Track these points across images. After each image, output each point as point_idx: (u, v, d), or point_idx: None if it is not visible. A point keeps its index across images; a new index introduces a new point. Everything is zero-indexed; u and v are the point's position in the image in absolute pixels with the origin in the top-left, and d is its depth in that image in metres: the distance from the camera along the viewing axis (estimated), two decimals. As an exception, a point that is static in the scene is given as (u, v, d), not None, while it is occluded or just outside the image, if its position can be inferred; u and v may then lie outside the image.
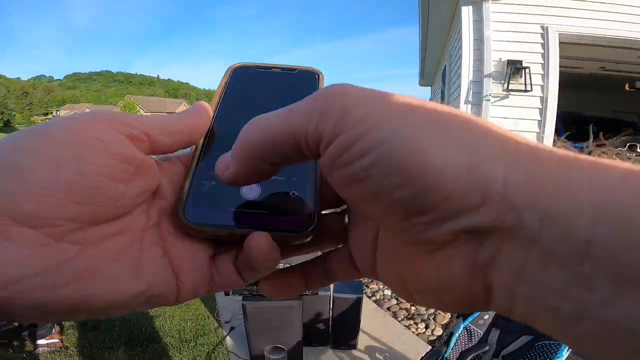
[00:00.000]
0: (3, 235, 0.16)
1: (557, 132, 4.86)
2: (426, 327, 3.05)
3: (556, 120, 4.42)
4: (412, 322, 3.12)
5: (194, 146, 0.26)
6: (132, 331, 2.76)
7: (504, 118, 4.46)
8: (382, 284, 3.69)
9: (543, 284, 0.14)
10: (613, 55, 5.37)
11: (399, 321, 3.12)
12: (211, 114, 0.26)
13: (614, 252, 0.12)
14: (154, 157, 0.24)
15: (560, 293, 0.13)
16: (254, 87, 0.31)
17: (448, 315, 3.11)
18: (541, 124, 4.37)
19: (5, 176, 0.17)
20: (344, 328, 2.66)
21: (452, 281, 0.16)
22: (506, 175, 0.14)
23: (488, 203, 0.14)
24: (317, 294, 2.37)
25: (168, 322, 2.91)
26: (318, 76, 0.32)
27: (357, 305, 2.59)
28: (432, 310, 3.19)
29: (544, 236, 0.13)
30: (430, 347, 2.77)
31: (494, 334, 1.92)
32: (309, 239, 0.22)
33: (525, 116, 4.43)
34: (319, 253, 0.26)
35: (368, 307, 2.88)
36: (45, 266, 0.17)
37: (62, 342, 2.68)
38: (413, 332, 2.99)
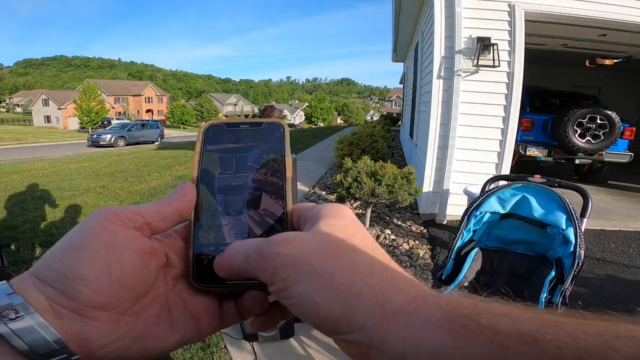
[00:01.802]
0: (90, 317, 0.26)
1: (523, 105, 5.09)
2: None
3: (522, 94, 4.66)
4: None
5: (188, 220, 0.34)
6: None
7: (474, 92, 4.69)
8: None
9: None
10: (575, 33, 5.62)
11: None
12: (194, 194, 0.33)
13: (403, 356, 0.23)
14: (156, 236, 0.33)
15: None
16: (227, 149, 0.35)
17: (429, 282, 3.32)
18: (508, 97, 4.61)
19: (80, 284, 0.26)
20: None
21: (354, 354, 0.27)
22: (364, 320, 0.25)
23: (355, 332, 0.25)
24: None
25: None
26: (282, 128, 0.37)
27: None
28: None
29: (384, 349, 0.24)
30: None
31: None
32: None
33: (493, 90, 4.67)
34: None
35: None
36: (119, 334, 0.27)
37: None
38: None
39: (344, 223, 0.31)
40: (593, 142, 6.55)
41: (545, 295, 1.75)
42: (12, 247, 4.43)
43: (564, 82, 9.83)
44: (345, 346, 0.28)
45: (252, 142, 0.35)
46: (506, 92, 4.63)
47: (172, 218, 0.32)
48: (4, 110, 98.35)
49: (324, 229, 0.30)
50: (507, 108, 4.67)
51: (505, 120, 4.72)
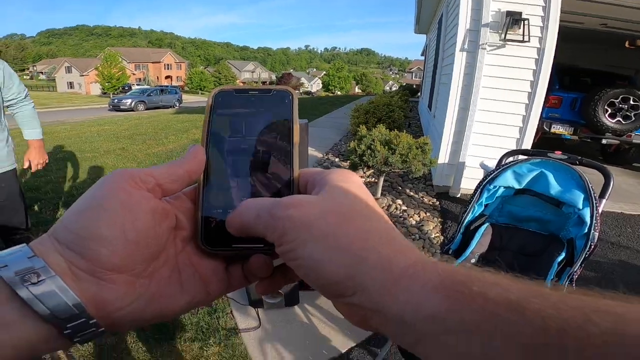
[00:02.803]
0: (107, 280, 0.26)
1: (552, 82, 4.90)
2: None
3: (552, 71, 4.47)
4: None
5: (197, 183, 0.34)
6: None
7: (499, 66, 4.51)
8: None
9: (392, 329, 0.26)
10: (616, 12, 5.32)
11: None
12: (204, 157, 0.34)
13: (407, 321, 0.24)
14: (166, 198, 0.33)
15: (394, 330, 0.26)
16: (237, 113, 0.36)
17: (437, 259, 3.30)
18: (536, 73, 4.42)
19: (97, 245, 0.26)
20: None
21: (354, 317, 0.29)
22: (370, 284, 0.26)
23: (357, 294, 0.26)
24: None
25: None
26: (291, 95, 0.37)
27: None
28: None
29: (385, 313, 0.25)
30: None
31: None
32: None
33: (520, 65, 4.48)
34: None
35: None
36: (135, 296, 0.28)
37: None
38: None
39: (351, 189, 0.31)
40: (623, 122, 6.37)
41: (552, 277, 1.71)
42: (35, 208, 4.58)
43: (598, 62, 9.39)
44: (345, 310, 0.29)
45: (260, 108, 0.36)
46: (534, 68, 4.43)
47: (182, 180, 0.32)
48: (28, 77, 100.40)
49: (332, 194, 0.30)
50: (533, 84, 4.48)
51: (531, 96, 4.53)
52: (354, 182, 0.32)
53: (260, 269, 0.33)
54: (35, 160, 2.65)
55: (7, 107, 2.50)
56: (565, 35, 5.49)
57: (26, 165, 2.67)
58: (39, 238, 0.27)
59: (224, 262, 0.34)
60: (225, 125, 0.35)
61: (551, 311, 0.20)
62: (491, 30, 4.42)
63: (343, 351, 2.45)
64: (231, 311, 2.73)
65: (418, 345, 0.24)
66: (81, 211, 0.28)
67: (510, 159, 2.16)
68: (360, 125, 4.60)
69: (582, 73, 8.04)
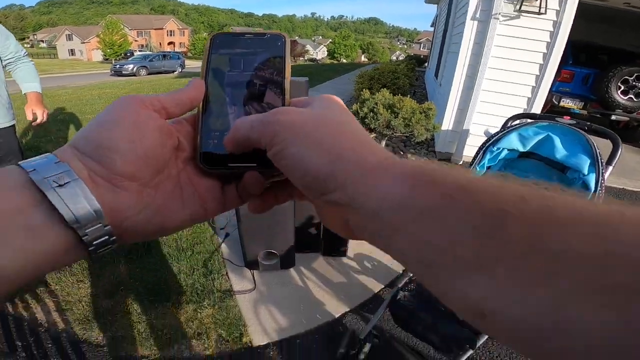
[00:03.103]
0: (120, 187, 0.28)
1: (566, 56, 4.80)
2: None
3: (567, 46, 4.36)
4: None
5: (197, 110, 0.36)
6: (131, 244, 2.89)
7: (511, 37, 4.39)
8: None
9: (366, 226, 0.26)
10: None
11: None
12: (204, 86, 0.36)
13: (379, 213, 0.25)
14: (169, 121, 0.35)
15: (368, 225, 0.26)
16: (233, 52, 0.38)
17: None
18: (549, 46, 4.29)
19: (113, 154, 0.28)
20: (335, 232, 2.80)
21: (338, 224, 0.30)
22: (346, 179, 0.27)
23: (337, 190, 0.27)
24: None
25: (166, 229, 3.05)
26: (284, 38, 0.39)
27: None
28: None
29: (359, 206, 0.26)
30: None
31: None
32: (281, 175, 0.33)
33: (534, 37, 4.36)
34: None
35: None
36: (143, 206, 0.30)
37: None
38: None
39: (333, 105, 0.34)
40: (635, 100, 6.44)
41: None
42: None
43: (618, 41, 9.17)
44: (329, 215, 0.31)
45: (256, 49, 0.38)
46: (549, 40, 4.31)
47: (184, 105, 0.35)
48: (28, 45, 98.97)
49: (316, 107, 0.33)
50: (546, 57, 4.38)
51: (542, 67, 4.44)
52: (336, 102, 0.35)
53: (253, 185, 0.35)
54: (39, 110, 2.60)
55: (5, 66, 2.45)
56: (586, 12, 5.34)
57: (30, 117, 2.60)
58: (59, 148, 0.29)
59: (220, 182, 0.35)
60: (223, 62, 0.37)
61: (494, 190, 0.22)
62: (506, 1, 4.29)
63: (337, 316, 2.45)
64: (227, 273, 2.73)
65: (391, 240, 0.25)
66: (99, 126, 0.30)
67: (517, 122, 2.08)
68: (364, 90, 4.51)
69: (599, 50, 8.00)
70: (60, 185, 0.25)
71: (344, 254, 2.93)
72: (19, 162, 0.26)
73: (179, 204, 0.32)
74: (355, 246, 3.00)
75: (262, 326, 2.33)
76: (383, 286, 2.71)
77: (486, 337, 1.69)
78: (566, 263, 0.17)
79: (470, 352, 1.72)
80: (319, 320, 2.41)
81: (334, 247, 2.89)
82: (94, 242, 0.27)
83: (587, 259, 0.17)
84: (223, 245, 2.96)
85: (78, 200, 0.25)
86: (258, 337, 2.25)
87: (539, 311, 0.18)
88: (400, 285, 1.97)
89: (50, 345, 2.14)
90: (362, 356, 2.11)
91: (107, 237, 0.27)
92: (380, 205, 0.25)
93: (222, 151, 0.34)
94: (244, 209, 2.36)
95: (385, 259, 2.95)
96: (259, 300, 2.51)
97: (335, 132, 0.30)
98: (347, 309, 2.51)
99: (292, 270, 2.77)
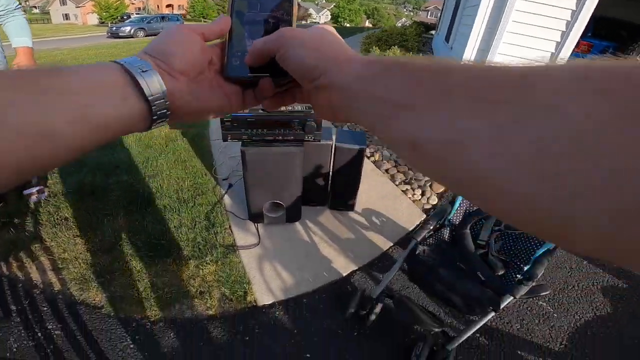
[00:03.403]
0: (177, 78, 0.38)
1: (586, 29, 4.65)
2: (422, 194, 3.09)
3: (589, 20, 4.30)
4: (408, 187, 3.15)
5: (224, 37, 0.45)
6: (130, 194, 2.76)
7: (535, 2, 4.21)
8: (382, 144, 3.67)
9: (341, 100, 0.35)
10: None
11: (397, 185, 3.14)
12: (230, 21, 0.45)
13: (347, 86, 0.34)
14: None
15: (343, 99, 0.35)
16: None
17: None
18: (574, 14, 4.12)
19: (173, 57, 0.39)
20: (343, 184, 2.66)
21: (324, 106, 0.38)
22: (327, 68, 0.36)
23: (322, 76, 0.36)
24: (319, 141, 2.25)
25: (165, 182, 2.91)
26: None
27: (358, 158, 2.54)
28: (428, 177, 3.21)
29: (336, 86, 0.35)
30: (424, 216, 2.84)
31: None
32: (289, 81, 0.43)
33: (559, 5, 4.22)
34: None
35: (366, 167, 2.86)
36: (189, 92, 0.40)
37: (48, 191, 2.71)
38: (409, 197, 3.03)
39: (326, 29, 0.42)
40: None
41: None
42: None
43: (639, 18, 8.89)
44: (317, 99, 0.39)
45: None
46: (574, 8, 4.24)
47: (216, 33, 0.44)
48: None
49: (313, 29, 0.41)
50: (569, 24, 4.35)
51: (564, 35, 4.40)
52: (328, 27, 0.42)
53: (266, 89, 0.44)
54: (28, 65, 2.42)
55: None
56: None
57: None
58: (137, 53, 0.38)
59: (242, 88, 0.45)
60: (243, 5, 0.47)
61: (419, 63, 0.29)
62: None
63: (344, 274, 2.35)
64: (230, 226, 2.60)
65: (356, 104, 0.33)
66: (162, 41, 0.40)
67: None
68: (373, 47, 4.28)
69: (620, 25, 7.93)
70: (143, 72, 0.35)
71: (351, 208, 2.79)
72: (114, 60, 0.36)
73: (212, 96, 0.42)
74: (363, 201, 2.86)
75: (267, 284, 2.22)
76: (392, 244, 2.60)
77: (510, 299, 1.57)
78: (457, 91, 0.24)
79: (492, 314, 1.62)
80: (326, 278, 2.30)
81: (342, 200, 2.76)
82: (158, 113, 0.36)
83: (469, 89, 0.23)
84: (226, 197, 2.83)
85: (153, 83, 0.35)
86: (263, 296, 2.15)
87: (442, 127, 0.24)
88: (418, 239, 1.84)
89: (45, 309, 2.04)
90: (373, 317, 2.00)
91: (165, 110, 0.37)
92: (347, 80, 0.34)
93: (243, 66, 0.43)
94: (251, 157, 2.22)
95: (395, 215, 2.82)
96: (263, 256, 2.39)
97: (323, 42, 0.39)
98: (356, 267, 2.40)
99: (297, 224, 2.64)
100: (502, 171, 0.20)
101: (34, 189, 2.68)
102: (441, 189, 3.09)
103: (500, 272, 1.81)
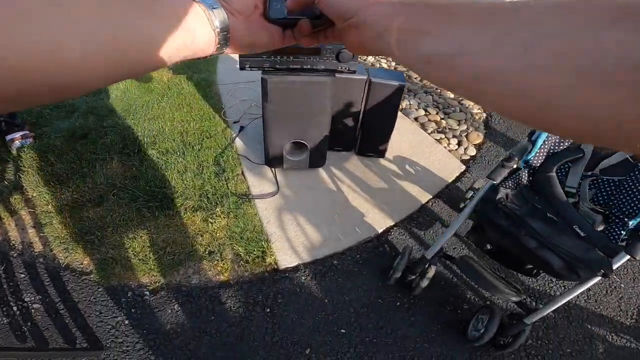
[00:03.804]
0: (235, 15, 0.40)
1: None
2: (458, 145, 2.52)
3: None
4: (442, 136, 2.58)
5: None
6: (126, 138, 2.22)
7: None
8: (409, 90, 3.07)
9: (371, 36, 0.36)
10: None
11: (429, 134, 2.57)
12: None
13: (376, 22, 0.35)
14: None
15: (373, 36, 0.36)
16: None
17: (482, 134, 2.55)
18: None
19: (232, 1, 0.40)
20: (375, 127, 2.10)
21: (354, 42, 0.39)
22: (359, 9, 0.36)
23: (354, 16, 0.37)
24: (354, 72, 1.71)
25: (168, 125, 2.35)
26: None
27: (396, 97, 1.96)
28: (464, 126, 2.63)
29: (367, 24, 0.36)
30: (464, 167, 2.29)
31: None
32: (326, 23, 0.43)
33: None
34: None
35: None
36: (242, 27, 0.41)
37: (34, 137, 2.19)
38: (444, 147, 2.46)
39: None
40: None
41: None
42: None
43: None
44: (349, 35, 0.39)
45: None
46: None
47: None
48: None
49: None
50: None
51: None
52: None
53: (304, 29, 0.44)
54: None
55: None
56: None
57: None
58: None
59: (281, 28, 0.45)
60: None
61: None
62: None
63: (380, 231, 1.85)
64: (242, 172, 2.07)
65: (384, 38, 0.34)
66: None
67: None
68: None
69: None
70: (213, 8, 0.37)
71: (382, 154, 2.24)
72: None
73: (260, 33, 0.44)
74: (393, 149, 2.31)
75: (289, 242, 1.73)
76: (431, 196, 2.07)
77: (624, 260, 1.09)
78: (464, 19, 0.27)
79: (597, 279, 1.15)
80: (358, 235, 1.81)
81: (372, 145, 2.20)
82: (221, 42, 0.38)
83: (472, 17, 0.27)
84: (237, 140, 2.27)
85: (220, 17, 0.37)
86: (285, 257, 1.67)
87: (452, 45, 0.27)
88: (498, 180, 1.31)
89: (23, 276, 1.57)
90: (424, 283, 1.51)
91: (225, 41, 0.39)
92: (377, 19, 0.35)
93: (283, 9, 0.44)
94: (273, 86, 1.68)
95: (431, 165, 2.27)
96: (283, 207, 1.88)
97: None
98: (392, 223, 1.90)
99: (321, 170, 2.11)
100: (498, 67, 0.24)
101: (18, 134, 2.14)
102: (479, 139, 2.51)
103: (600, 228, 1.30)
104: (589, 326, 1.57)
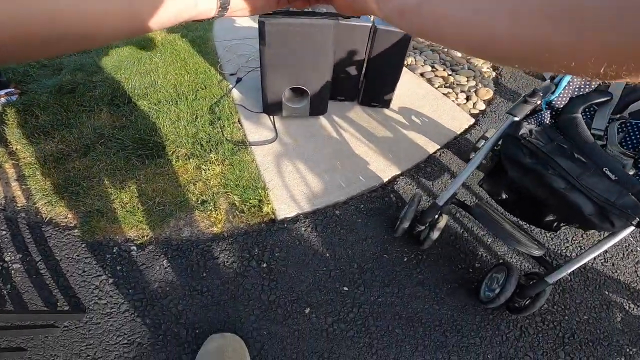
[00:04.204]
0: None
1: None
2: (467, 99, 2.24)
3: None
4: (450, 90, 2.29)
5: None
6: (116, 90, 1.96)
7: None
8: (415, 50, 2.77)
9: (360, 1, 0.36)
10: None
11: (436, 88, 2.29)
12: None
13: None
14: None
15: (364, 3, 0.35)
16: None
17: (492, 90, 2.26)
18: None
19: None
20: (380, 75, 1.83)
21: (343, 3, 0.39)
22: None
23: None
24: (358, 17, 1.45)
25: (161, 78, 2.08)
26: None
27: (402, 45, 1.69)
28: (472, 82, 2.33)
29: None
30: (473, 120, 2.02)
31: (619, 84, 1.12)
32: None
33: None
34: None
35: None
36: None
37: (20, 94, 1.94)
38: (452, 101, 2.18)
39: None
40: None
41: None
42: None
43: None
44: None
45: None
46: None
47: None
48: None
49: None
50: None
51: None
52: None
53: None
54: None
55: None
56: None
57: None
58: None
59: None
60: None
61: None
62: None
63: (385, 180, 1.61)
64: (239, 120, 1.81)
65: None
66: None
67: None
68: None
69: None
70: None
71: (387, 104, 1.97)
72: None
73: None
74: (398, 101, 2.04)
75: (288, 190, 1.50)
76: (439, 147, 1.82)
77: None
78: None
79: (631, 229, 0.92)
80: (362, 184, 1.57)
81: (377, 95, 1.93)
82: (222, 5, 0.36)
83: None
84: (234, 91, 2.01)
85: None
86: (283, 207, 1.44)
87: None
88: (520, 116, 1.07)
89: (4, 232, 1.36)
90: (435, 235, 1.28)
91: (225, 6, 0.37)
92: None
93: None
94: (272, 29, 1.43)
95: (438, 117, 2.00)
96: (282, 154, 1.64)
97: None
98: (399, 172, 1.66)
99: (322, 119, 1.85)
100: (452, 12, 0.26)
101: (3, 91, 1.89)
102: (488, 95, 2.22)
103: (630, 173, 1.06)
104: (606, 292, 1.35)
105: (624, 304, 1.32)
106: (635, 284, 1.38)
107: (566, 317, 1.26)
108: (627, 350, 1.21)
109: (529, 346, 1.18)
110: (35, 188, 1.49)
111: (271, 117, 1.78)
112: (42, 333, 1.11)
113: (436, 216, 1.25)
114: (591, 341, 1.22)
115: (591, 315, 1.27)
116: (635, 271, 1.42)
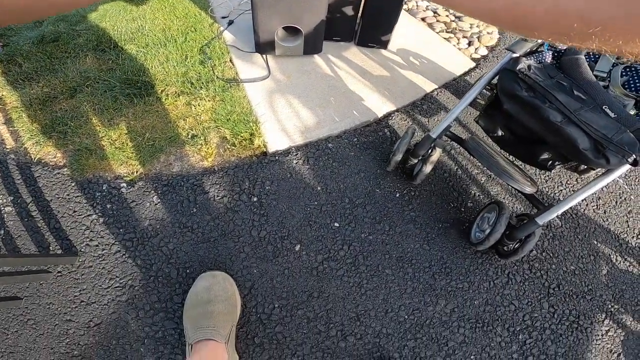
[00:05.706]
0: None
1: None
2: (469, 44, 2.14)
3: None
4: (452, 35, 2.18)
5: None
6: (101, 37, 1.88)
7: None
8: None
9: None
10: None
11: (437, 33, 2.18)
12: None
13: None
14: None
15: None
16: None
17: (495, 37, 2.15)
18: None
19: None
20: (378, 14, 1.73)
21: None
22: None
23: None
24: None
25: (149, 23, 2.00)
26: None
27: None
28: (476, 29, 2.22)
29: None
30: (474, 64, 1.93)
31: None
32: None
33: None
34: None
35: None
36: None
37: (2, 46, 1.87)
38: (454, 45, 2.08)
39: None
40: None
41: None
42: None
43: None
44: None
45: None
46: None
47: None
48: None
49: None
50: None
51: None
52: None
53: None
54: None
55: None
56: None
57: None
58: None
59: None
60: None
61: None
62: None
63: (380, 115, 1.56)
64: (231, 59, 1.75)
65: None
66: None
67: None
68: None
69: None
70: None
71: (384, 45, 1.89)
72: None
73: None
74: (397, 43, 1.95)
75: (280, 124, 1.46)
76: (437, 86, 1.75)
77: None
78: None
79: (626, 167, 0.90)
80: (356, 118, 1.52)
81: (374, 35, 1.84)
82: None
83: None
84: (226, 33, 1.92)
85: None
86: (275, 139, 1.40)
87: None
88: (519, 53, 1.02)
89: None
90: (427, 168, 1.24)
91: None
92: None
93: None
94: None
95: (438, 59, 1.92)
96: (275, 90, 1.59)
97: None
98: (394, 108, 1.60)
99: (317, 57, 1.78)
100: None
101: None
102: (492, 42, 2.12)
103: (631, 112, 1.01)
104: (595, 242, 1.31)
105: (612, 256, 1.30)
106: (625, 235, 1.35)
107: (553, 267, 1.24)
108: (609, 306, 1.20)
109: (515, 294, 1.17)
110: (23, 129, 1.46)
111: (264, 55, 1.71)
112: (35, 279, 1.10)
113: (429, 149, 1.21)
114: (575, 294, 1.20)
115: (578, 266, 1.25)
116: (627, 221, 1.39)
